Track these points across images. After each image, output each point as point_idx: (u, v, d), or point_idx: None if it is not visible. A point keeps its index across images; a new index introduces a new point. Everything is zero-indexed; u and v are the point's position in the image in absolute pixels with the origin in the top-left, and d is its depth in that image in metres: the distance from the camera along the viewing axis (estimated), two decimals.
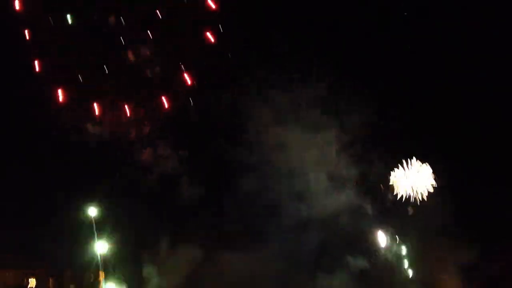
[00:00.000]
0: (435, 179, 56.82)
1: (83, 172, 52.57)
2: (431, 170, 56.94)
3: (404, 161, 56.99)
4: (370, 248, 57.33)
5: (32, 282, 47.78)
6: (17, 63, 51.03)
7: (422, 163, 57.09)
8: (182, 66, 52.83)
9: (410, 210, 56.75)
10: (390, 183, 57.05)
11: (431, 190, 56.59)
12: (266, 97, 55.45)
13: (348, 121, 56.35)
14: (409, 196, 56.71)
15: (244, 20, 52.57)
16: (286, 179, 56.20)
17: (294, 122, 56.23)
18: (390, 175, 57.27)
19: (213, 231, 55.33)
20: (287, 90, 55.71)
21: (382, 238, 57.26)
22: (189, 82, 53.06)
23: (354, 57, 55.71)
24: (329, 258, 56.06)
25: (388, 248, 57.32)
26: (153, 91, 53.31)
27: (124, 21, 51.31)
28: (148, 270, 54.87)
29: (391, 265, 57.29)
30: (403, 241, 57.22)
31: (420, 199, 56.59)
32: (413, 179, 56.81)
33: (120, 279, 51.90)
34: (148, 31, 51.82)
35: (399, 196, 56.80)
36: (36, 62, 51.13)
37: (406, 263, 57.30)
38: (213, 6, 52.30)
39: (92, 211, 51.04)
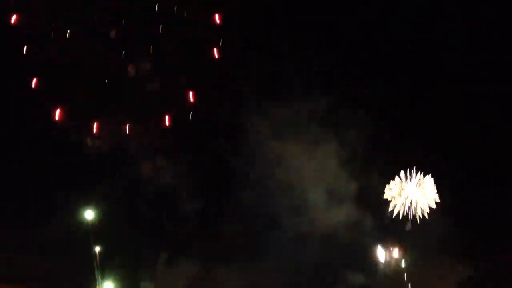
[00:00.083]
0: (437, 192, 56.08)
1: (82, 175, 52.67)
2: (433, 184, 56.17)
3: (403, 175, 56.29)
4: (369, 263, 57.12)
5: None
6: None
7: (424, 176, 56.27)
8: (185, 83, 52.54)
9: (408, 226, 56.44)
10: (388, 198, 56.72)
11: (433, 205, 55.91)
12: (266, 111, 55.45)
13: (347, 135, 56.35)
14: (407, 212, 56.35)
15: (244, 21, 52.69)
16: (286, 194, 56.19)
17: (294, 136, 56.19)
18: (388, 190, 56.63)
19: (212, 245, 55.28)
20: (288, 104, 55.61)
21: (381, 253, 57.14)
22: (191, 99, 52.80)
23: (354, 57, 55.78)
24: (328, 272, 55.99)
25: (387, 263, 57.13)
26: (153, 108, 52.94)
27: (124, 35, 50.95)
28: (146, 286, 54.83)
29: (391, 281, 57.08)
30: (403, 256, 57.00)
31: (420, 215, 56.07)
32: (413, 194, 56.35)
33: None
34: (150, 47, 51.61)
35: (395, 212, 56.50)
36: (33, 80, 50.65)
37: (405, 278, 57.05)
38: (218, 21, 52.06)
39: (89, 214, 51.39)
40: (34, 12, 50.05)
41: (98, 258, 51.28)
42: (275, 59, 54.59)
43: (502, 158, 55.93)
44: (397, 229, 56.59)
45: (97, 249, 51.46)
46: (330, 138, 56.15)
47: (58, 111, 50.86)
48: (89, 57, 50.73)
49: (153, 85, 52.44)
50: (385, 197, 56.40)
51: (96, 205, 51.95)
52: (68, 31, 50.22)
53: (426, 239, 55.01)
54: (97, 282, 51.02)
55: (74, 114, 51.24)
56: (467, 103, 55.97)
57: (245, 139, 55.19)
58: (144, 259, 54.25)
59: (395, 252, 56.70)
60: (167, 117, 52.62)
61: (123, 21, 50.75)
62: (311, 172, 56.68)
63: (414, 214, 56.00)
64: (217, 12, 52.17)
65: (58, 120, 50.90)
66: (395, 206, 56.27)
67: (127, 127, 52.23)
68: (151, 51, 51.51)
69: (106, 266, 51.73)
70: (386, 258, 56.86)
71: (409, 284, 56.39)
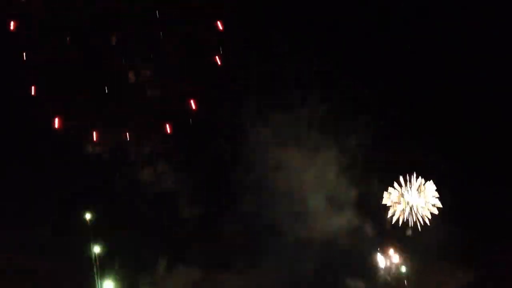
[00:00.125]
0: (438, 197, 56.20)
1: (82, 175, 52.70)
2: (434, 189, 56.30)
3: (403, 181, 56.44)
4: (370, 269, 57.11)
5: None
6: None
7: (425, 181, 56.36)
8: (185, 86, 52.38)
9: (409, 232, 56.39)
10: (388, 204, 56.71)
11: (435, 211, 55.99)
12: (266, 119, 55.47)
13: (348, 135, 56.36)
14: (407, 219, 56.28)
15: (245, 21, 52.67)
16: (286, 196, 56.14)
17: (295, 138, 56.14)
18: (388, 196, 56.80)
19: (212, 251, 55.24)
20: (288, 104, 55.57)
21: (381, 259, 57.11)
22: (193, 107, 52.67)
23: (354, 57, 55.79)
24: (328, 278, 55.92)
25: (387, 269, 57.05)
26: (154, 115, 52.79)
27: (125, 42, 50.80)
28: (145, 286, 54.74)
29: (391, 287, 56.99)
30: (403, 262, 56.95)
31: (421, 221, 56.12)
32: (413, 200, 56.34)
33: None
34: (151, 53, 51.49)
35: (395, 219, 56.43)
36: (32, 87, 50.19)
37: (405, 284, 57.02)
38: (220, 28, 51.95)
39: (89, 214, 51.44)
40: (34, 17, 49.89)
41: (98, 258, 51.25)
42: (275, 59, 54.62)
43: (502, 159, 55.94)
44: (397, 235, 56.64)
45: (97, 249, 51.45)
46: (329, 142, 56.13)
47: (57, 120, 50.63)
48: (89, 61, 50.56)
49: (154, 91, 52.29)
50: (383, 202, 56.43)
51: (96, 205, 51.88)
52: (68, 38, 50.03)
53: (427, 245, 55.00)
54: (97, 283, 50.98)
55: (74, 122, 51.08)
56: (467, 103, 56.00)
57: (245, 139, 55.19)
58: (144, 259, 54.23)
59: (395, 258, 56.71)
60: (167, 125, 52.44)
61: (123, 22, 50.62)
62: (312, 178, 56.66)
63: (414, 220, 56.02)
64: (218, 13, 52.05)
65: (57, 128, 50.72)
66: (395, 212, 56.28)
67: (127, 134, 52.14)
68: (151, 52, 51.42)
69: (106, 266, 51.74)
70: (386, 263, 56.88)
71: None
